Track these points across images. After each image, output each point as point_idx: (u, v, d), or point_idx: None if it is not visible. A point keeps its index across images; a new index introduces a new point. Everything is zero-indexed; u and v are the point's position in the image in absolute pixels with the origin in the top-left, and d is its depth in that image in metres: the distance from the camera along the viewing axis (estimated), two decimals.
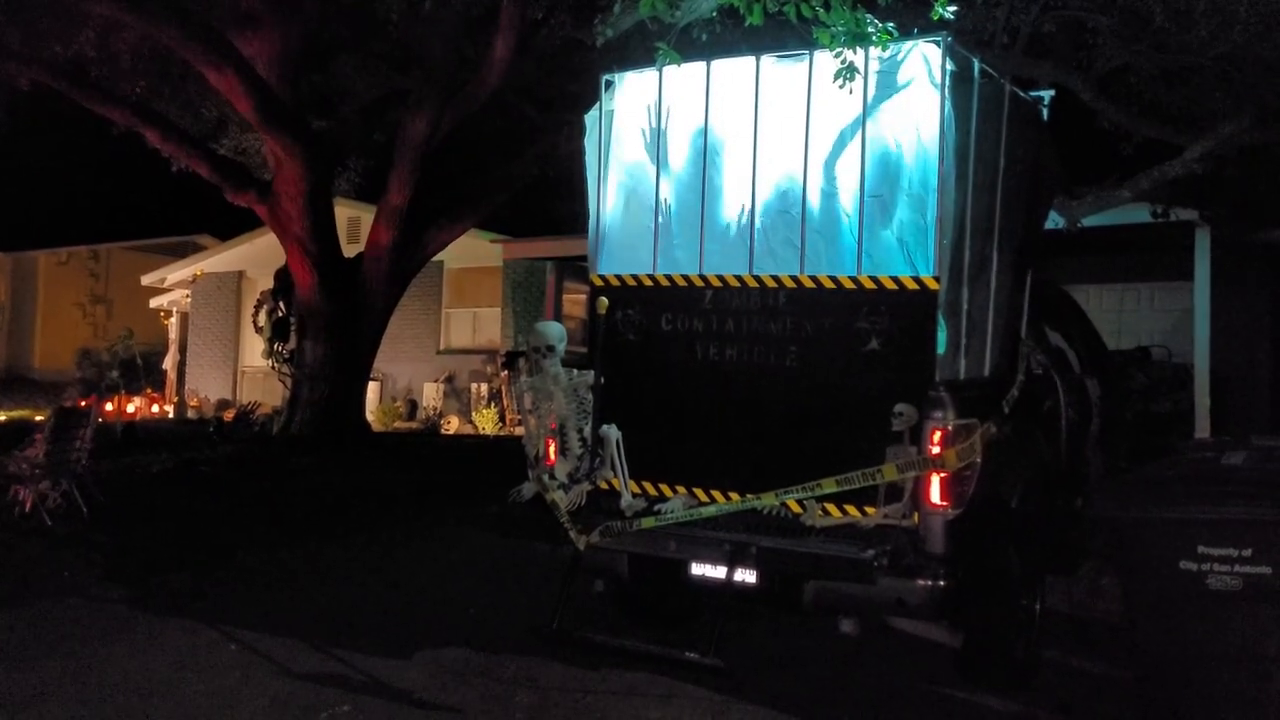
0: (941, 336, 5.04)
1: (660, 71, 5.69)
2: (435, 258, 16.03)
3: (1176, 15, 7.90)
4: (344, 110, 15.34)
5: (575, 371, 5.41)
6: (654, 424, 5.54)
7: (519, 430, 17.72)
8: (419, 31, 12.64)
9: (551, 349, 5.32)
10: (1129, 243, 12.80)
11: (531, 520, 5.50)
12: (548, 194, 16.76)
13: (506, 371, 18.65)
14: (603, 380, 5.42)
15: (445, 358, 20.69)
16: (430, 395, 20.17)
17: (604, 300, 5.49)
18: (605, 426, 5.30)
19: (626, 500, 5.28)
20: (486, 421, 18.48)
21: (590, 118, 5.95)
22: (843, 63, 4.91)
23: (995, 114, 5.51)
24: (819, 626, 5.76)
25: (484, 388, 19.54)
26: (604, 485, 5.48)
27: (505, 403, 18.60)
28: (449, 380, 20.27)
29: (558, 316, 15.76)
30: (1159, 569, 4.27)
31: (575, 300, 19.86)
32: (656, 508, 5.21)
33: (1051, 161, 6.28)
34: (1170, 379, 10.45)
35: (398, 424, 19.59)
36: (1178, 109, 8.62)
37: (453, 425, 19.08)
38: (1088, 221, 9.13)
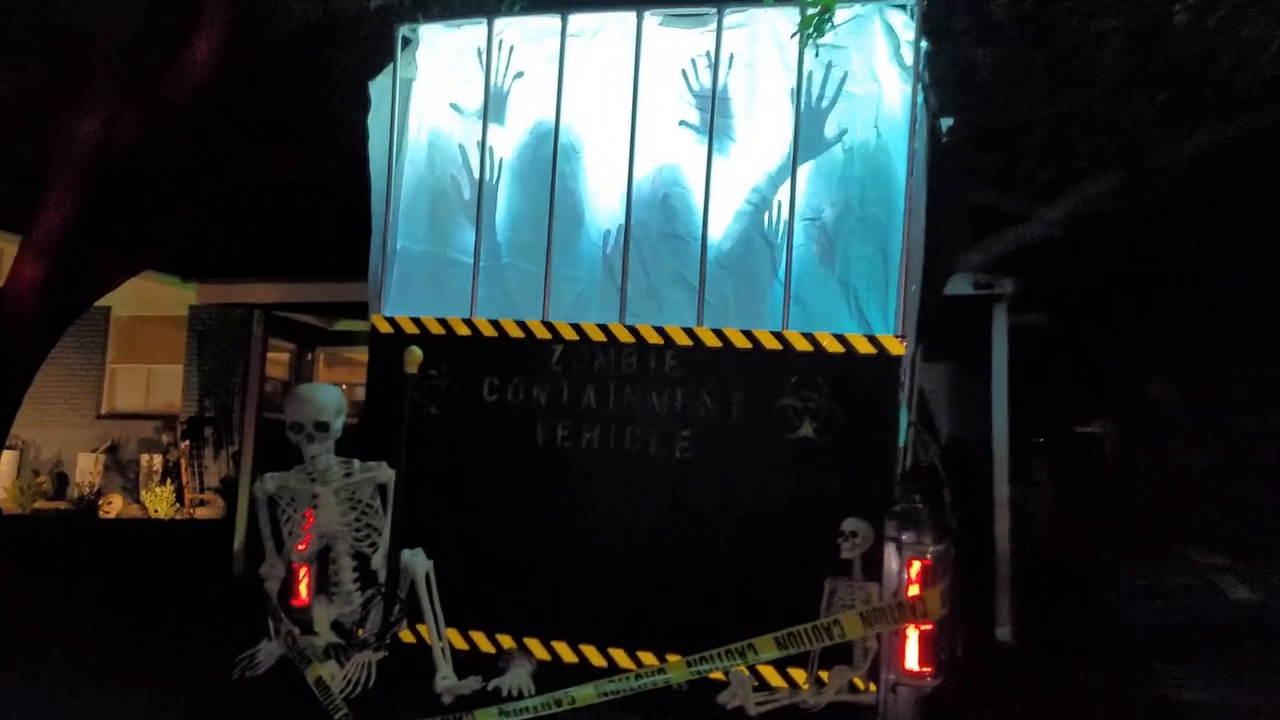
0: (903, 421, 3.57)
1: (490, 24, 3.93)
2: (100, 303, 12.97)
3: (1003, 68, 7.12)
4: None
5: (356, 463, 3.42)
6: (474, 548, 3.65)
7: (201, 512, 14.90)
8: (96, 10, 9.97)
9: (323, 427, 3.31)
10: None
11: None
12: (250, 236, 14.20)
13: (188, 442, 15.70)
14: (404, 479, 3.45)
15: (108, 423, 17.18)
16: (86, 468, 16.59)
17: (416, 351, 3.48)
18: (408, 552, 3.34)
19: (444, 677, 3.29)
20: (160, 502, 15.28)
21: (377, 86, 4.07)
22: (816, 9, 3.36)
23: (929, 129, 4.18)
24: None
25: (158, 460, 16.28)
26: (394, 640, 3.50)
27: (185, 479, 15.52)
28: (112, 450, 16.80)
29: (262, 376, 13.09)
30: None
31: (279, 360, 17.18)
32: (493, 684, 3.29)
33: (955, 206, 5.08)
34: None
35: (40, 504, 15.88)
36: (1000, 172, 7.82)
37: (115, 506, 15.67)
38: None
